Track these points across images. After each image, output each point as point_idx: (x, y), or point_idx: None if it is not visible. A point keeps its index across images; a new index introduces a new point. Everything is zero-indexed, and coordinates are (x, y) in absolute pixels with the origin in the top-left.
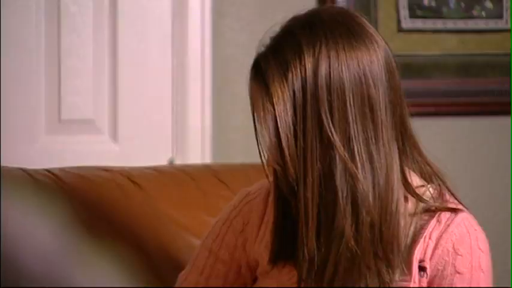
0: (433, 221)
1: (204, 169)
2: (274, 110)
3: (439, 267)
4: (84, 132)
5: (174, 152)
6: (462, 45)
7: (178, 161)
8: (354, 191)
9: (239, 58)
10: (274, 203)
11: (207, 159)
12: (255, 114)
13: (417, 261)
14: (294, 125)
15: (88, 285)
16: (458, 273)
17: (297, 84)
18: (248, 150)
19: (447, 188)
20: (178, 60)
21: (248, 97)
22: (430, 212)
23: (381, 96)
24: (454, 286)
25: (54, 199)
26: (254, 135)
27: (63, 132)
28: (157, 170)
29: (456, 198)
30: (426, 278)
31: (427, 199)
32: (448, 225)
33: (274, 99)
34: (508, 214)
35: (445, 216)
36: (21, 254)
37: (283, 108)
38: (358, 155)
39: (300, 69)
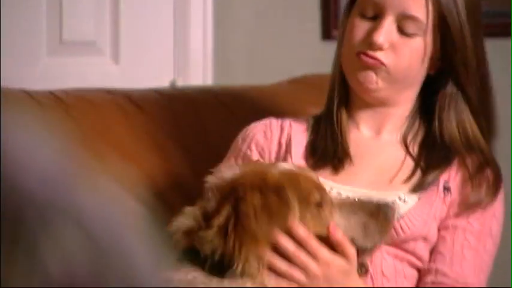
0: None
1: (205, 91)
2: None
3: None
4: (86, 54)
5: (176, 74)
6: None
7: (180, 83)
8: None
9: None
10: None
11: (209, 81)
12: None
13: (443, 180)
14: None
15: (91, 207)
16: (469, 223)
17: None
18: (250, 72)
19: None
20: None
21: (250, 19)
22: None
23: None
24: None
25: (56, 120)
26: (256, 57)
27: (64, 54)
28: (158, 92)
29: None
30: (450, 197)
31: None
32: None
33: None
34: (508, 140)
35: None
36: (22, 176)
37: None
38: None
39: None
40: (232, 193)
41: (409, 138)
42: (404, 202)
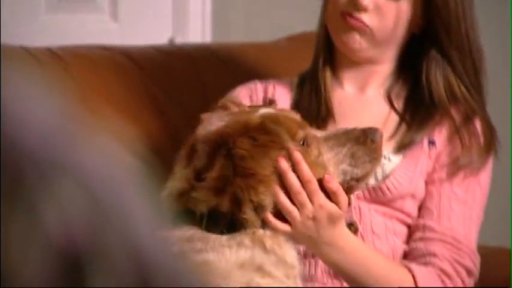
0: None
1: (204, 48)
2: None
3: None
4: (85, 11)
5: (175, 31)
6: None
7: (178, 40)
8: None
9: None
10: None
11: (207, 39)
12: None
13: (428, 135)
14: None
15: (90, 164)
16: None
17: None
18: (248, 29)
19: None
20: None
21: None
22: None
23: None
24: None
25: (55, 78)
26: (255, 15)
27: (63, 11)
28: (156, 49)
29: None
30: (435, 151)
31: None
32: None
33: None
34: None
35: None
36: (21, 134)
37: None
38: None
39: None
40: (222, 145)
41: (394, 93)
42: (389, 161)
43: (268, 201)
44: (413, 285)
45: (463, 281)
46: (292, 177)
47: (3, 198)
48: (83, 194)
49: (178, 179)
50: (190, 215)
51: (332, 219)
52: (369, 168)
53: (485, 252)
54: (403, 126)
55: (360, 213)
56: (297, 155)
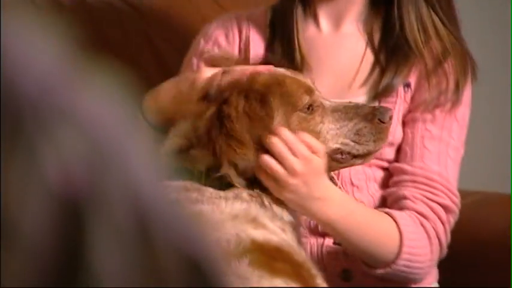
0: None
1: None
2: None
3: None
4: None
5: None
6: None
7: None
8: None
9: None
10: None
11: None
12: None
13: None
14: None
15: (90, 111)
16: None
17: None
18: None
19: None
20: None
21: None
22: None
23: None
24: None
25: (53, 23)
26: None
27: None
28: None
29: None
30: (410, 93)
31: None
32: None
33: None
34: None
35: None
36: (21, 80)
37: None
38: None
39: None
40: (220, 95)
41: (369, 25)
42: None
43: (245, 166)
44: (398, 233)
45: (440, 218)
46: (277, 142)
47: (3, 143)
48: (82, 139)
49: (178, 135)
50: (189, 172)
51: (318, 174)
52: (372, 148)
53: (486, 198)
54: (378, 69)
55: None
56: (286, 134)
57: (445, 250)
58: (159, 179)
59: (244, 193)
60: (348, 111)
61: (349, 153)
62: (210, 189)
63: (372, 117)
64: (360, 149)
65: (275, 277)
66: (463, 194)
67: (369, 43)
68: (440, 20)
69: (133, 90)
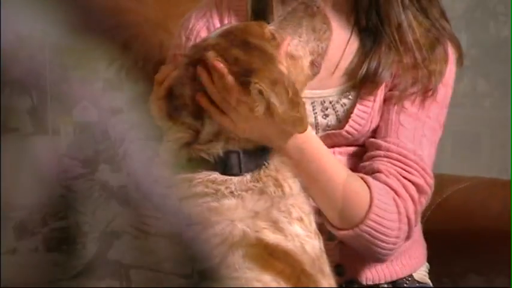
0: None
1: None
2: None
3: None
4: None
5: None
6: None
7: None
8: None
9: None
10: None
11: None
12: None
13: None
14: None
15: (81, 84)
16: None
17: None
18: None
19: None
20: None
21: None
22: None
23: None
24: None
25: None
26: None
27: None
28: None
29: None
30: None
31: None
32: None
33: None
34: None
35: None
36: (18, 57)
37: None
38: None
39: None
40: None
41: (354, 13)
42: (349, 99)
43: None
44: (369, 197)
45: (411, 197)
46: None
47: None
48: (77, 124)
49: (181, 131)
50: (205, 162)
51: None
52: (328, 35)
53: (482, 183)
54: (361, 56)
55: None
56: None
57: (412, 231)
58: (155, 166)
59: (270, 187)
60: (291, 20)
61: (317, 55)
62: (235, 180)
63: (311, 11)
64: (323, 46)
65: (265, 273)
66: (460, 178)
67: (354, 30)
68: (422, 8)
69: (124, 70)
